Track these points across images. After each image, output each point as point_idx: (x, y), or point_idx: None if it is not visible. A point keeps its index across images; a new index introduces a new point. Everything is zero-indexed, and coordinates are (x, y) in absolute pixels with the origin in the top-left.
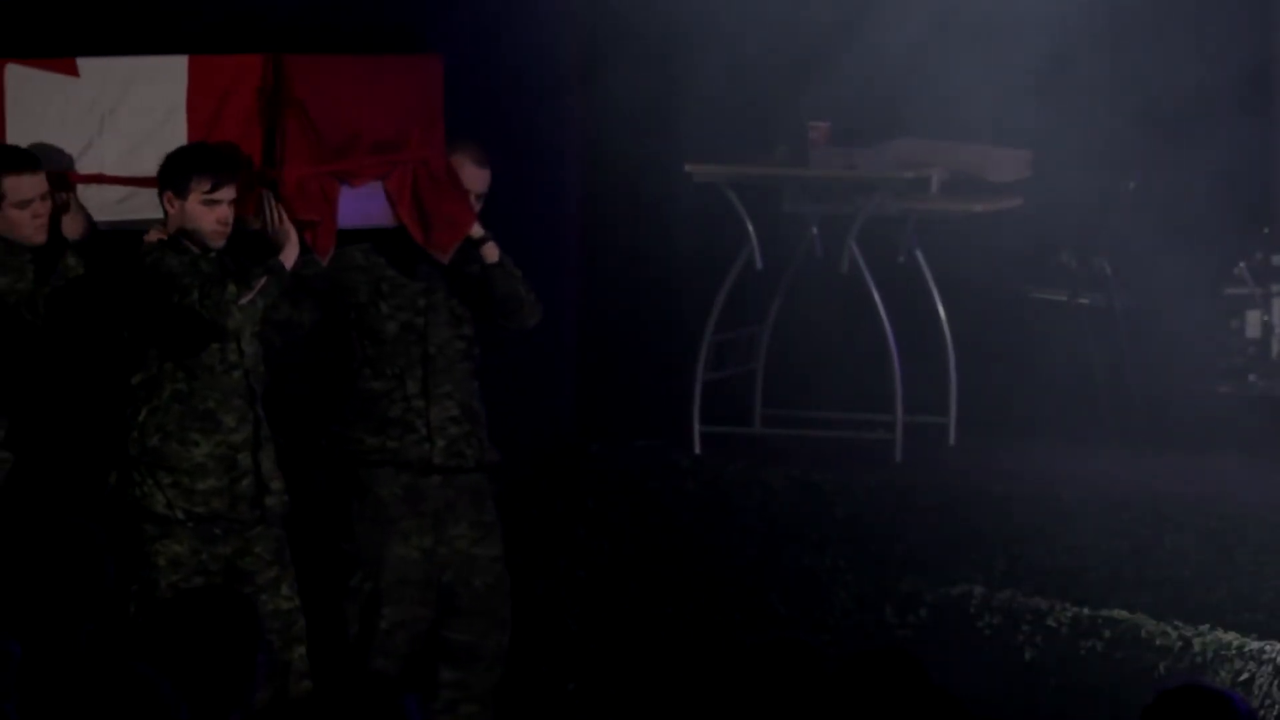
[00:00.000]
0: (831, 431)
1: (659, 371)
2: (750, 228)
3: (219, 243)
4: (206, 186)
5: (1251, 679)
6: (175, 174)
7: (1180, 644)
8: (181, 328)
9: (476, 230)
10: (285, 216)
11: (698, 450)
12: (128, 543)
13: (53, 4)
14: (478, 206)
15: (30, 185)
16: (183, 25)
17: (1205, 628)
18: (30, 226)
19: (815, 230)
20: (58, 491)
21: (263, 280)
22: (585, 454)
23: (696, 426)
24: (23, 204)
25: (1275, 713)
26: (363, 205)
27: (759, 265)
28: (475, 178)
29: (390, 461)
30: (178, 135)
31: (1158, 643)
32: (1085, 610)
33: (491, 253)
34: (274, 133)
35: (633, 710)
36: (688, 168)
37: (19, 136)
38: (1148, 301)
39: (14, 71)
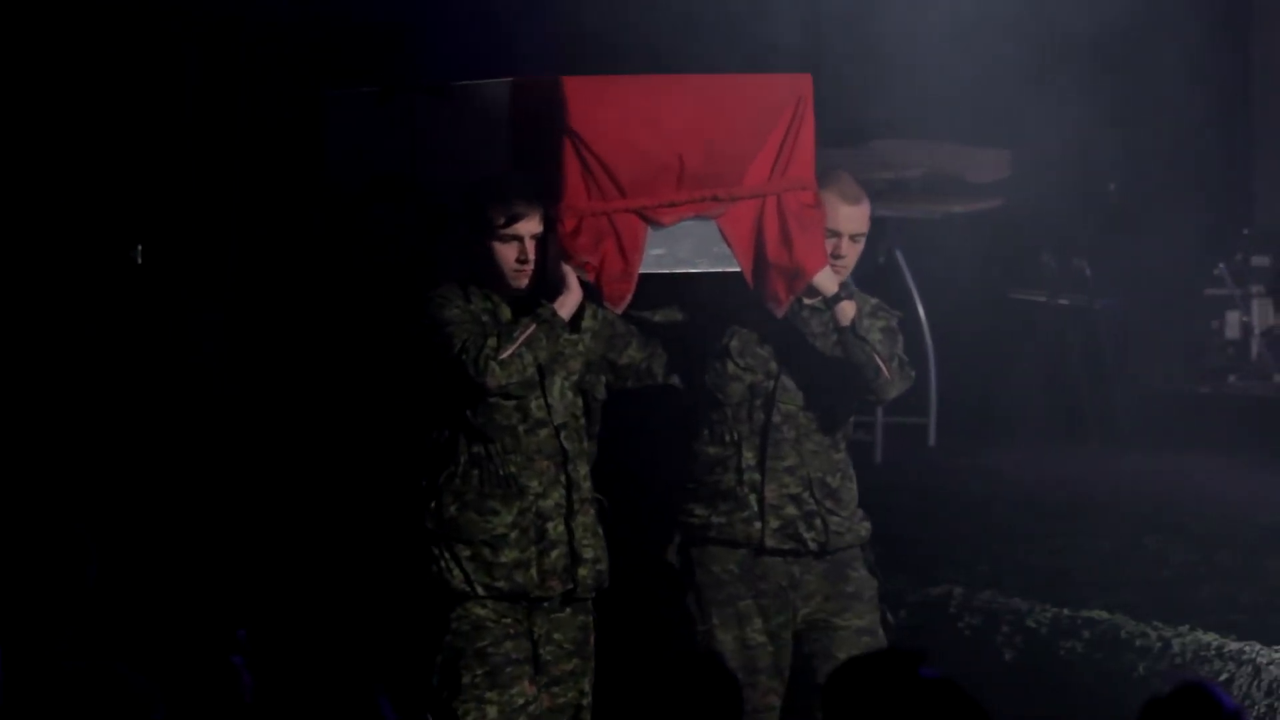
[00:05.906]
0: None
1: None
2: None
3: (521, 283)
4: (501, 220)
5: (1231, 680)
6: (471, 207)
7: (1160, 645)
8: (444, 384)
9: (828, 284)
10: (562, 260)
11: None
12: (425, 614)
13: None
14: (856, 248)
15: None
16: None
17: (1185, 628)
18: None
19: None
20: (43, 492)
21: (529, 331)
22: None
23: None
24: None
25: (1254, 714)
26: (682, 246)
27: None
28: (845, 218)
29: (719, 539)
30: (503, 162)
31: (1137, 643)
32: (1065, 611)
33: (844, 313)
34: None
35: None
36: None
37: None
38: (1128, 302)
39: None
